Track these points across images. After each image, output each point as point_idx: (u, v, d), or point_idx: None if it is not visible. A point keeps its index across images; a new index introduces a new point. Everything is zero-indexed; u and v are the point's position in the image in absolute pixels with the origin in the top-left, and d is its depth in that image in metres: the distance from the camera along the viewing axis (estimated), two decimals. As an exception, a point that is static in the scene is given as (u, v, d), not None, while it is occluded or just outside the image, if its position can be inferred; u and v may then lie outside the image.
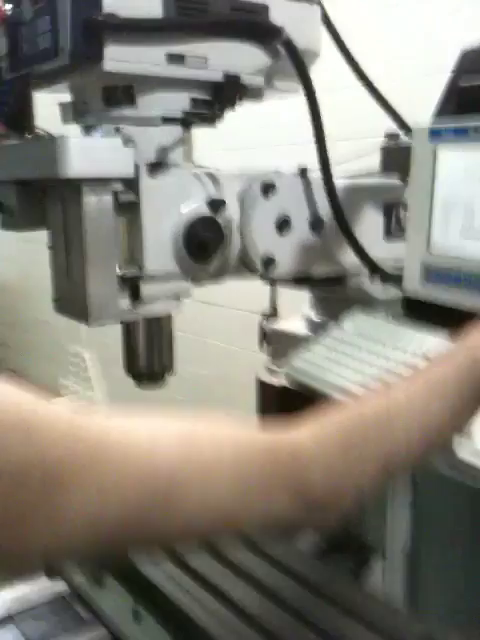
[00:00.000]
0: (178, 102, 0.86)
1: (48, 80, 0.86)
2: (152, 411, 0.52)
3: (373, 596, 1.03)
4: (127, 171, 0.83)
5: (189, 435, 0.53)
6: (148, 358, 0.97)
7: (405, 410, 0.60)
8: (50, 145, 0.79)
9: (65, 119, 0.88)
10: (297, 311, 1.32)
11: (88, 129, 0.88)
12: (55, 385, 4.58)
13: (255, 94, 0.97)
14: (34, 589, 1.02)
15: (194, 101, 0.87)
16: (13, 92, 0.90)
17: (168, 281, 0.92)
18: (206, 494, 0.51)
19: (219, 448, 0.53)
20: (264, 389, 1.25)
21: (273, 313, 1.36)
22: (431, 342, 0.77)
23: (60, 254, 0.91)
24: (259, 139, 2.74)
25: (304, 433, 0.57)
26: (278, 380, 1.25)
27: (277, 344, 1.31)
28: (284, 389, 1.21)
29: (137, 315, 0.92)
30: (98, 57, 0.77)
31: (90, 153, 0.80)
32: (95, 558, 0.52)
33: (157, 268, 0.90)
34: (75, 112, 0.90)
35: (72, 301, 0.89)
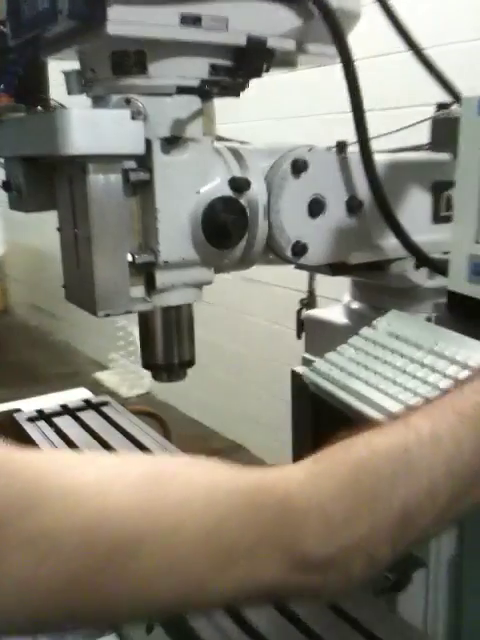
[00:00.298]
0: (195, 69, 0.77)
1: (53, 46, 0.78)
2: (125, 446, 0.44)
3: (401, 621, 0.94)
4: (136, 147, 0.75)
5: (153, 478, 0.43)
6: (166, 350, 0.90)
7: (429, 449, 0.48)
8: (50, 119, 0.72)
9: (70, 89, 0.81)
10: (339, 297, 1.23)
11: (97, 101, 0.80)
12: (104, 359, 4.60)
13: (286, 61, 0.87)
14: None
15: (214, 68, 0.78)
16: (18, 61, 0.83)
17: (186, 269, 0.84)
18: (170, 553, 0.41)
19: (189, 494, 0.43)
20: (298, 383, 1.16)
21: (311, 300, 1.27)
22: (477, 350, 0.67)
23: (68, 238, 0.84)
24: (309, 108, 2.62)
25: (299, 474, 0.46)
26: (314, 373, 1.16)
27: (314, 333, 1.22)
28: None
29: (151, 305, 0.84)
30: (101, 19, 0.69)
31: (94, 127, 0.72)
32: (29, 630, 0.43)
33: (173, 255, 0.82)
34: (84, 82, 0.82)
35: (80, 289, 0.82)
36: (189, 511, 0.43)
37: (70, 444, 1.22)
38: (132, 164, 0.78)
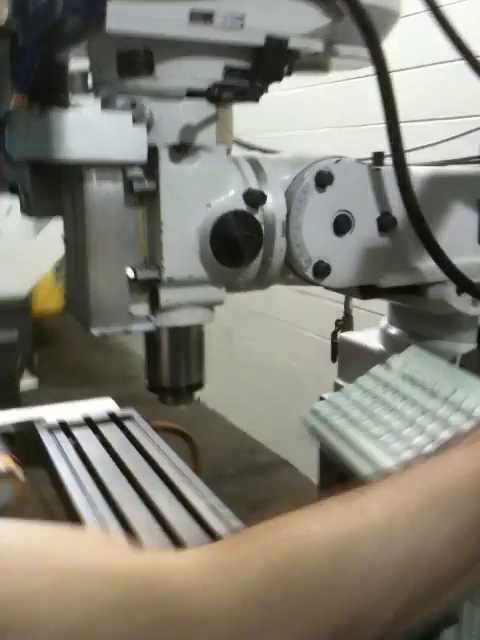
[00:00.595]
0: (207, 72, 0.71)
1: (63, 45, 0.73)
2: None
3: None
4: (137, 154, 0.69)
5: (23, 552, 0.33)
6: (172, 372, 0.83)
7: (382, 534, 0.37)
8: (45, 121, 0.66)
9: (74, 90, 0.75)
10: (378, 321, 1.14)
11: (106, 103, 0.75)
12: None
13: (315, 63, 0.79)
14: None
15: (228, 71, 0.71)
16: (31, 59, 0.78)
17: (193, 287, 0.77)
18: None
19: (55, 580, 0.32)
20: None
21: (347, 322, 1.19)
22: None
23: (71, 248, 0.78)
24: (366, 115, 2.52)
25: (203, 564, 0.36)
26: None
27: (348, 358, 1.14)
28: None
29: (154, 325, 0.78)
30: (99, 15, 0.63)
31: (92, 132, 0.67)
32: None
33: (178, 271, 0.75)
34: (94, 83, 0.76)
35: (77, 302, 0.77)
36: (49, 602, 0.32)
37: (84, 460, 1.18)
38: (139, 173, 0.73)
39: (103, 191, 0.69)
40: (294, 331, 3.17)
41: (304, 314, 3.04)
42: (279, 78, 0.73)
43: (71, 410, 1.38)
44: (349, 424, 0.65)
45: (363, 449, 0.61)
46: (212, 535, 0.94)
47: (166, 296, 0.76)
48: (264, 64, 0.71)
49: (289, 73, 0.73)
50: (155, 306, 0.77)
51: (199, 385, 0.86)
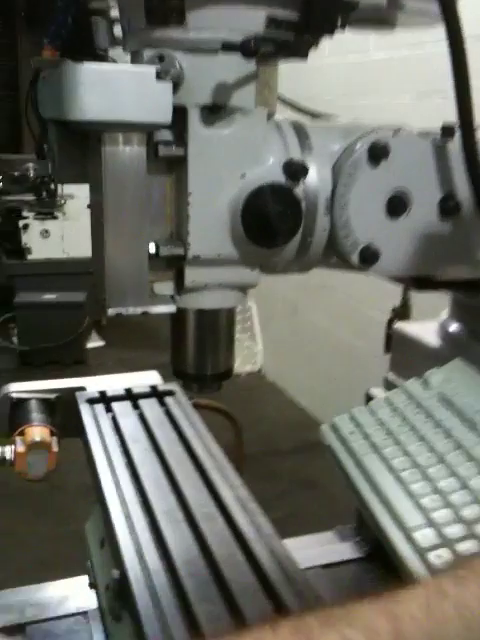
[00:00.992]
0: (247, 22, 0.62)
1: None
2: None
3: None
4: (161, 114, 0.61)
5: None
6: (198, 359, 0.76)
7: None
8: (58, 75, 0.59)
9: (98, 41, 0.68)
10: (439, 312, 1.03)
11: (134, 57, 0.67)
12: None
13: (378, 18, 0.69)
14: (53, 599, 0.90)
15: (272, 22, 0.62)
16: (65, 8, 0.72)
17: (222, 267, 0.70)
18: None
19: None
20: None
21: (404, 311, 1.08)
22: None
23: (94, 218, 0.72)
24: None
25: None
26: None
27: (401, 351, 1.04)
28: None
29: (175, 307, 0.71)
30: None
31: (109, 88, 0.59)
32: None
33: (205, 249, 0.68)
34: (122, 34, 0.69)
35: (98, 277, 0.70)
36: None
37: (119, 436, 1.13)
38: (168, 135, 0.65)
39: (121, 155, 0.62)
40: (361, 310, 3.05)
41: (372, 293, 2.91)
42: (331, 31, 0.63)
43: (115, 381, 1.33)
44: (369, 448, 0.56)
45: (379, 485, 0.51)
46: (235, 531, 0.88)
47: (192, 276, 0.69)
48: (314, 14, 0.61)
49: (343, 26, 0.63)
50: (180, 286, 0.70)
51: (227, 374, 0.78)
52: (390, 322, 1.07)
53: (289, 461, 3.11)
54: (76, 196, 4.19)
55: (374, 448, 0.56)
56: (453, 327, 0.94)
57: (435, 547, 0.49)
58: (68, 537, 2.52)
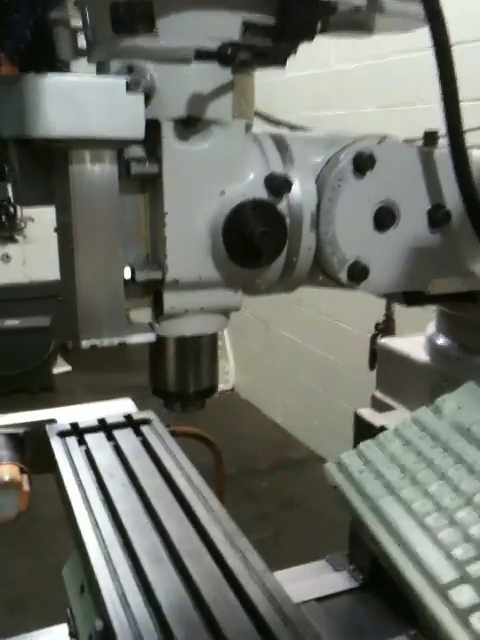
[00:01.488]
0: (221, 28, 0.57)
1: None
2: None
3: None
4: (133, 129, 0.56)
5: None
6: (180, 375, 0.71)
7: None
8: (18, 89, 0.54)
9: (60, 52, 0.63)
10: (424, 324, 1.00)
11: (100, 68, 0.62)
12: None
13: (356, 22, 0.65)
14: None
15: (248, 27, 0.58)
16: (23, 21, 0.66)
17: (203, 290, 0.65)
18: None
19: None
20: (361, 427, 0.94)
21: (388, 326, 1.05)
22: None
23: (63, 242, 0.67)
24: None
25: None
26: (382, 418, 0.95)
27: (387, 368, 1.00)
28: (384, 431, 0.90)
29: (157, 334, 0.65)
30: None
31: (76, 101, 0.54)
32: None
33: (184, 272, 0.63)
34: (86, 44, 0.64)
35: (68, 306, 0.65)
36: None
37: (94, 471, 1.07)
38: (140, 152, 0.60)
39: (90, 174, 0.57)
40: (334, 324, 3.03)
41: (345, 306, 2.89)
42: (311, 37, 0.59)
43: (87, 411, 1.27)
44: (384, 490, 0.50)
45: (401, 533, 0.46)
46: (225, 570, 0.82)
47: (171, 301, 0.64)
48: (291, 18, 0.57)
49: (323, 31, 0.60)
50: (159, 312, 0.65)
51: (211, 390, 0.73)
52: (374, 338, 1.04)
53: (268, 480, 3.06)
54: (37, 220, 4.11)
55: (389, 489, 0.50)
56: (441, 341, 0.90)
57: (477, 607, 0.43)
58: (45, 573, 2.44)
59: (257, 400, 3.78)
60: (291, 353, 3.37)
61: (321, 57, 2.78)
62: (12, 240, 4.34)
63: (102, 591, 0.80)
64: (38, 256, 4.14)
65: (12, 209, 4.20)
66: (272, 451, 3.30)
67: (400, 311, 1.10)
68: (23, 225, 4.27)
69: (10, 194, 4.12)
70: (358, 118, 2.62)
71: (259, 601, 0.77)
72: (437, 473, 0.49)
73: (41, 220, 3.90)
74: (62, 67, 0.73)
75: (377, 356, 1.01)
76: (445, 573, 0.44)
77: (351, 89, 2.73)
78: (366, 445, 0.58)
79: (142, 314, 0.66)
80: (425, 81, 2.28)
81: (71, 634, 0.96)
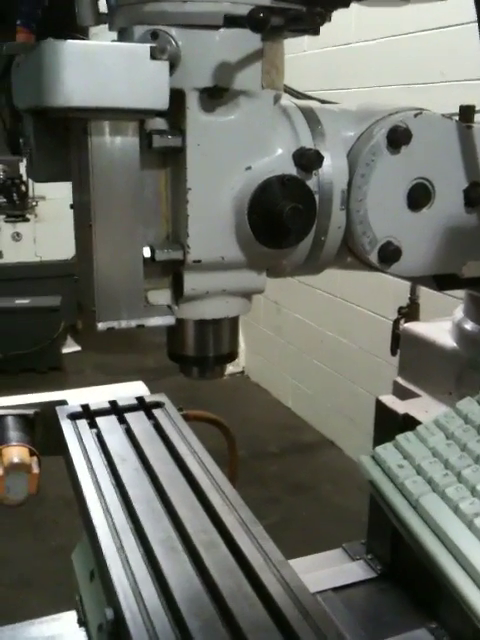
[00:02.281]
0: (252, -9, 0.54)
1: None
2: None
3: None
4: (156, 99, 0.53)
5: None
6: (198, 340, 0.67)
7: None
8: (37, 56, 0.51)
9: (82, 18, 0.59)
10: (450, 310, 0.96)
11: (122, 35, 0.58)
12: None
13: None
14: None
15: (280, -9, 0.54)
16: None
17: (226, 271, 0.61)
18: None
19: None
20: (383, 415, 0.91)
21: (413, 310, 1.01)
22: None
23: (79, 218, 0.63)
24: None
25: None
26: (405, 406, 0.91)
27: (411, 353, 0.97)
28: (407, 419, 0.87)
29: (175, 318, 0.62)
30: None
31: (96, 69, 0.51)
32: None
33: (207, 252, 0.60)
34: (108, 10, 0.60)
35: (85, 285, 0.62)
36: None
37: (105, 455, 1.04)
38: (161, 124, 0.57)
39: (110, 147, 0.54)
40: (348, 306, 2.98)
41: (360, 288, 2.84)
42: (347, 2, 0.55)
43: (98, 394, 1.24)
44: (427, 488, 0.47)
45: (448, 535, 0.42)
46: (240, 560, 0.80)
47: (192, 282, 0.61)
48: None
49: (359, -3, 0.56)
50: (178, 293, 0.62)
51: (231, 356, 0.69)
52: (397, 322, 1.00)
53: (277, 464, 3.04)
54: (48, 198, 4.08)
55: (432, 485, 0.47)
56: (469, 326, 0.87)
57: None
58: (50, 553, 2.44)
59: (267, 383, 3.75)
60: (303, 335, 3.34)
61: (340, 34, 2.71)
62: (23, 219, 4.30)
63: (113, 579, 0.78)
64: (49, 235, 4.11)
65: (24, 188, 4.16)
66: (282, 435, 3.28)
67: (423, 295, 1.06)
68: (35, 203, 4.24)
69: (22, 171, 4.09)
70: (376, 96, 2.56)
71: (277, 594, 0.75)
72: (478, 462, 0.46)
73: (53, 199, 3.87)
74: (81, 37, 0.69)
75: (400, 341, 0.97)
76: (475, 557, 0.40)
77: (370, 66, 2.67)
78: (406, 437, 0.54)
79: (161, 295, 0.63)
80: (446, 58, 2.22)
81: (80, 622, 0.94)
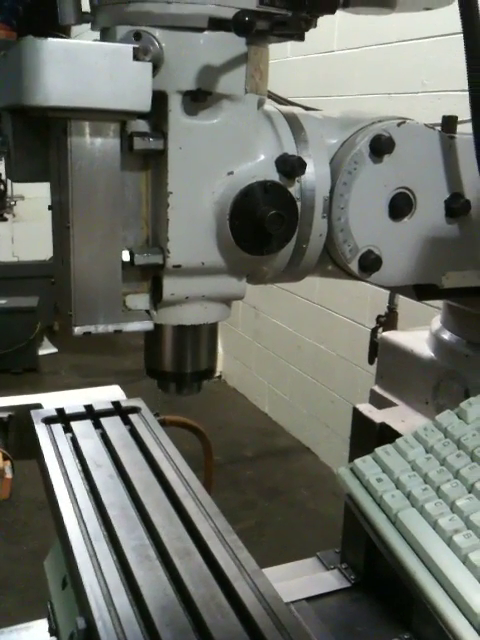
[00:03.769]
0: (238, -6, 0.53)
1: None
2: None
3: None
4: (139, 101, 0.52)
5: None
6: (176, 355, 0.66)
7: None
8: (16, 54, 0.50)
9: (63, 17, 0.58)
10: (428, 319, 0.96)
11: (105, 35, 0.57)
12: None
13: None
14: None
15: (266, -6, 0.54)
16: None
17: (206, 277, 0.61)
18: None
19: None
20: (360, 423, 0.91)
21: (391, 319, 1.01)
22: None
23: (57, 220, 0.62)
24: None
25: None
26: (382, 415, 0.91)
27: (389, 362, 0.97)
28: (384, 428, 0.87)
29: (154, 323, 0.61)
30: None
31: (77, 69, 0.50)
32: None
33: (187, 257, 0.59)
34: (91, 9, 0.59)
35: (62, 288, 0.60)
36: None
37: (80, 461, 1.03)
38: (145, 125, 0.56)
39: (90, 148, 0.53)
40: (326, 313, 2.99)
41: (338, 296, 2.85)
42: (332, 8, 0.55)
43: (74, 397, 1.22)
44: (405, 502, 0.46)
45: (427, 552, 0.42)
46: (215, 569, 0.79)
47: (171, 287, 0.60)
48: (313, -12, 0.53)
49: (345, 4, 0.55)
50: (157, 298, 0.61)
51: (209, 373, 0.69)
52: (374, 331, 1.00)
53: (253, 469, 3.04)
54: (27, 197, 4.04)
55: (411, 501, 0.47)
56: (447, 336, 0.87)
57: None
58: (23, 558, 2.40)
59: (244, 388, 3.75)
60: (281, 341, 3.34)
61: (323, 41, 2.72)
62: (1, 218, 4.26)
63: (85, 587, 0.76)
64: (27, 235, 4.08)
65: (2, 187, 4.12)
66: (258, 439, 3.27)
67: (402, 304, 1.06)
68: (13, 203, 4.20)
69: (1, 170, 4.05)
70: (357, 104, 2.57)
71: (251, 604, 0.74)
72: (466, 485, 0.45)
73: (31, 198, 3.84)
74: (62, 36, 0.68)
75: (378, 350, 0.97)
76: (465, 582, 0.39)
77: (352, 75, 2.68)
78: (383, 450, 0.54)
79: (139, 300, 0.62)
80: (428, 68, 2.24)
81: (51, 630, 0.92)
